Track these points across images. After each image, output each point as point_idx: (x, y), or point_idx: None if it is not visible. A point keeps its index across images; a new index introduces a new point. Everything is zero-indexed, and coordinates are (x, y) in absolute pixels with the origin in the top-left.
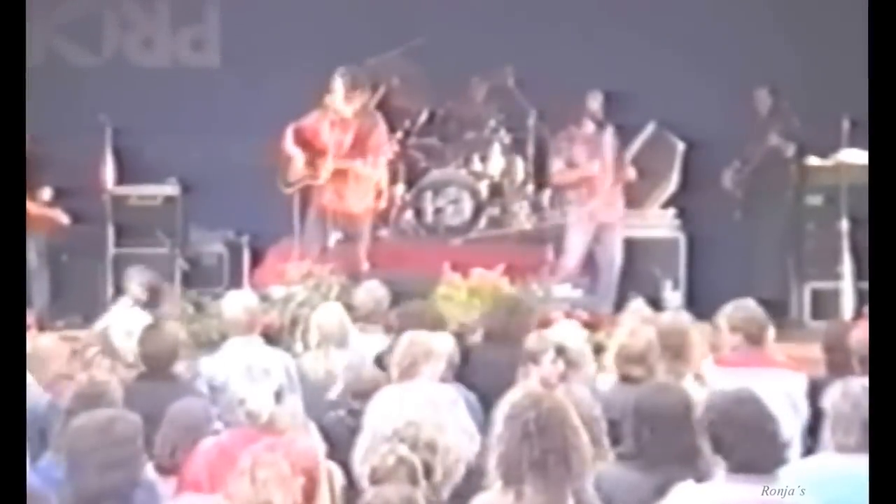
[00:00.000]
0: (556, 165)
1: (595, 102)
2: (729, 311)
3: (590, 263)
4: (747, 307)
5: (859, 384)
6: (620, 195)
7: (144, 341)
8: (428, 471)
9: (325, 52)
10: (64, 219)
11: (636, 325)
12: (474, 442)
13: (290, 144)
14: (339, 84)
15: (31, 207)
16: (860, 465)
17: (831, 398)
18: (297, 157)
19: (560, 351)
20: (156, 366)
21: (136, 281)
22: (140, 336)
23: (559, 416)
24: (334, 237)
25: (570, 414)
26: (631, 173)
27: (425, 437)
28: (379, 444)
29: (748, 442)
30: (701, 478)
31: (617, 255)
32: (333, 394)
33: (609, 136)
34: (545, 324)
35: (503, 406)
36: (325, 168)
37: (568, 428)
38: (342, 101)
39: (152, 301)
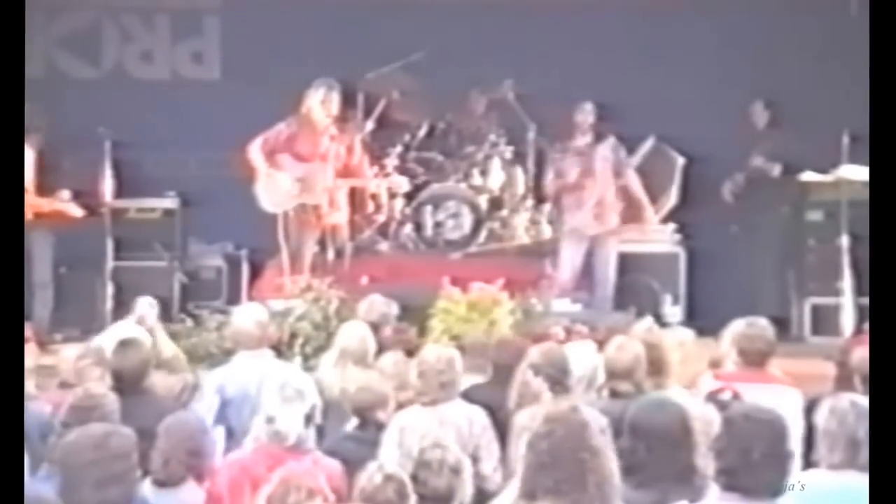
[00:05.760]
0: (548, 177)
1: (584, 114)
2: (741, 329)
3: (588, 277)
4: (760, 327)
5: (847, 400)
6: (614, 208)
7: (116, 356)
8: (448, 497)
9: (325, 65)
10: (77, 212)
11: (623, 339)
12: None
13: (255, 154)
14: (317, 95)
15: (44, 203)
16: (849, 482)
17: (821, 415)
18: (261, 167)
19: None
20: (126, 381)
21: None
22: (113, 351)
23: (573, 442)
24: (330, 251)
25: (586, 436)
26: (632, 183)
27: (450, 459)
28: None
29: (754, 465)
30: (697, 495)
31: (611, 269)
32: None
33: (605, 150)
34: (544, 338)
35: (524, 430)
36: (320, 186)
37: (585, 451)
38: (319, 111)
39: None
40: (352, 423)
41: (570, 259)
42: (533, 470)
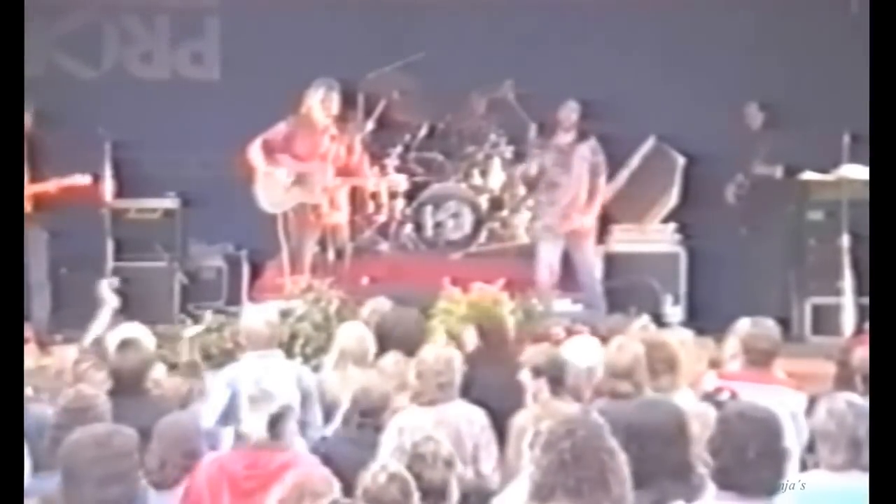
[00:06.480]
0: (519, 169)
1: (568, 111)
2: (746, 328)
3: (574, 278)
4: (766, 327)
5: (844, 400)
6: (584, 210)
7: (116, 356)
8: (443, 489)
9: (325, 66)
10: (86, 180)
11: (623, 339)
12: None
13: (255, 154)
14: (317, 95)
15: (50, 186)
16: (850, 483)
17: (819, 416)
18: (261, 167)
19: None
20: (126, 381)
21: (108, 288)
22: (114, 351)
23: (595, 442)
24: (330, 251)
25: (605, 438)
26: (597, 188)
27: (443, 454)
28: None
29: (750, 463)
30: (693, 494)
31: (595, 270)
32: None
33: (584, 150)
34: (544, 338)
35: (523, 430)
36: (320, 186)
37: (604, 452)
38: (319, 110)
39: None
40: (350, 425)
41: (545, 258)
42: (553, 469)
